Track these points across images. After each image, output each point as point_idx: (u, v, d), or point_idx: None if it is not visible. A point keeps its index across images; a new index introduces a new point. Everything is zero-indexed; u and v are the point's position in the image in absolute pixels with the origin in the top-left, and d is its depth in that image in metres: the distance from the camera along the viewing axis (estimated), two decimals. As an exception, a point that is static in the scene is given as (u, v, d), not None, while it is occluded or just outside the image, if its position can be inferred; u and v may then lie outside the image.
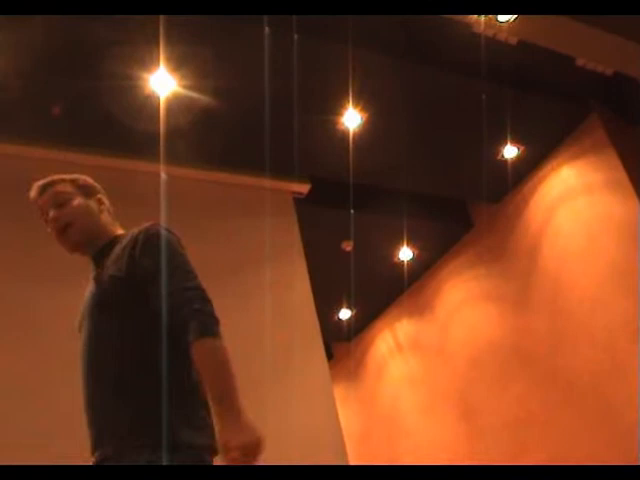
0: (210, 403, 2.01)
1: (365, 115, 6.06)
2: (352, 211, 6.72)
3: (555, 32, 5.52)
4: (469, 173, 7.23)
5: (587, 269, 6.78)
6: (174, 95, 5.34)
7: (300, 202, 6.67)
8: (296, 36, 5.00)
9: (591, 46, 5.87)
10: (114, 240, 2.35)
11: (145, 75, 5.16)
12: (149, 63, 5.07)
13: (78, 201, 2.39)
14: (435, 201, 7.73)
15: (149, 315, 2.10)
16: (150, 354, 2.06)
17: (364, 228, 7.12)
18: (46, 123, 5.40)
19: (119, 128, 5.40)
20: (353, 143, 6.14)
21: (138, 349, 2.08)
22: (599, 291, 6.62)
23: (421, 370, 8.93)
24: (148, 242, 2.18)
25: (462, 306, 8.34)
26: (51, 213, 2.35)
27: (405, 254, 8.20)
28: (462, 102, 6.27)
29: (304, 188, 6.66)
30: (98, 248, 2.35)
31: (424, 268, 8.71)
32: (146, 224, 2.25)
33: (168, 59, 5.03)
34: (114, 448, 1.98)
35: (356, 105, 5.93)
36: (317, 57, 5.40)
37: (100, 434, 2.04)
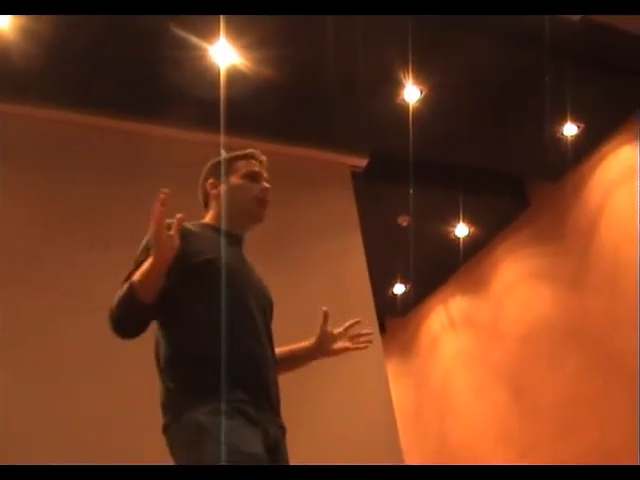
0: None
1: (425, 90, 6.03)
2: (411, 189, 6.71)
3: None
4: (528, 151, 7.14)
5: (645, 251, 6.67)
6: (233, 66, 5.36)
7: (358, 176, 6.68)
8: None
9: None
10: None
11: (205, 46, 5.19)
12: (209, 34, 5.10)
13: None
14: (493, 178, 7.65)
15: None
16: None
17: (420, 203, 7.09)
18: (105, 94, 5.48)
19: (180, 99, 5.46)
20: (412, 118, 6.11)
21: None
22: (657, 273, 6.52)
23: (473, 348, 8.90)
24: None
25: (517, 285, 8.28)
26: (265, 183, 2.51)
27: (461, 230, 8.17)
28: (522, 79, 6.20)
29: (362, 162, 6.66)
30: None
31: (479, 245, 8.66)
32: None
33: (228, 29, 5.05)
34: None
35: (416, 79, 5.90)
36: (377, 30, 5.38)
37: (275, 402, 2.37)
